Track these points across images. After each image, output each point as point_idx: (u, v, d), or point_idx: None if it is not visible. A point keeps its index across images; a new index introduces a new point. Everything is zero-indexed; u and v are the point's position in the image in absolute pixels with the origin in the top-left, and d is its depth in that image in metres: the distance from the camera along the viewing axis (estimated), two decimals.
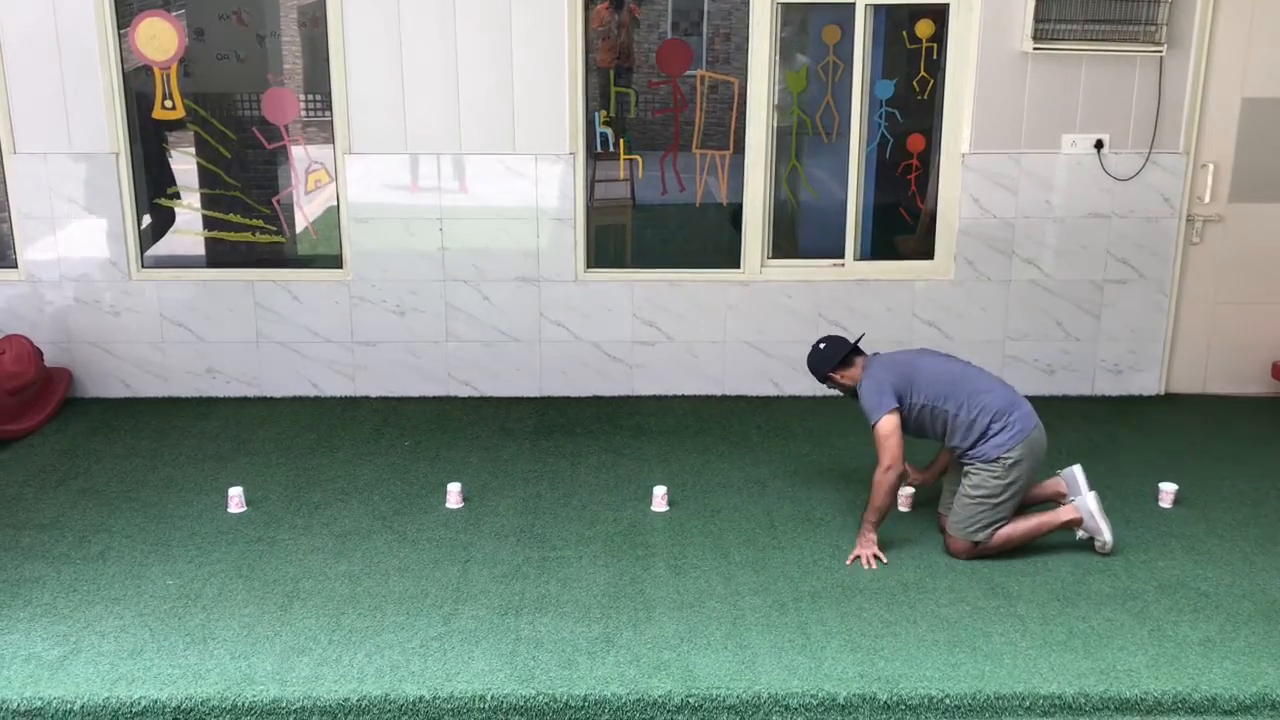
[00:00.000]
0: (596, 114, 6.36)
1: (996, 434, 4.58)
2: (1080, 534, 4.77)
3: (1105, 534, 4.70)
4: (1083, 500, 4.76)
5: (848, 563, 4.65)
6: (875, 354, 4.91)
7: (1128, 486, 5.41)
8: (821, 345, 4.91)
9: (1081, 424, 6.22)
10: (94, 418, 6.24)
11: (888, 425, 4.58)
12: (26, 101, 6.11)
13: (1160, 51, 6.10)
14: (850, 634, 4.12)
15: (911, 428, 4.73)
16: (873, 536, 4.69)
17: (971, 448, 4.62)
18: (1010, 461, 4.56)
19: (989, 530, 4.62)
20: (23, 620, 4.18)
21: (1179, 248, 6.46)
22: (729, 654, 3.99)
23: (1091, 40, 6.07)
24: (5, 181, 6.27)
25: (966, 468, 4.67)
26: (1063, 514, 4.75)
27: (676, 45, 6.37)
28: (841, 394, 4.95)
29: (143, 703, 3.72)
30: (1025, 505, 4.87)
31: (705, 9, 6.48)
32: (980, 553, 4.66)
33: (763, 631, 4.14)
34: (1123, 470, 5.61)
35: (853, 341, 4.91)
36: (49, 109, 6.11)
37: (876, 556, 4.66)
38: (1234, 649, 4.05)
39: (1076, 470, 4.88)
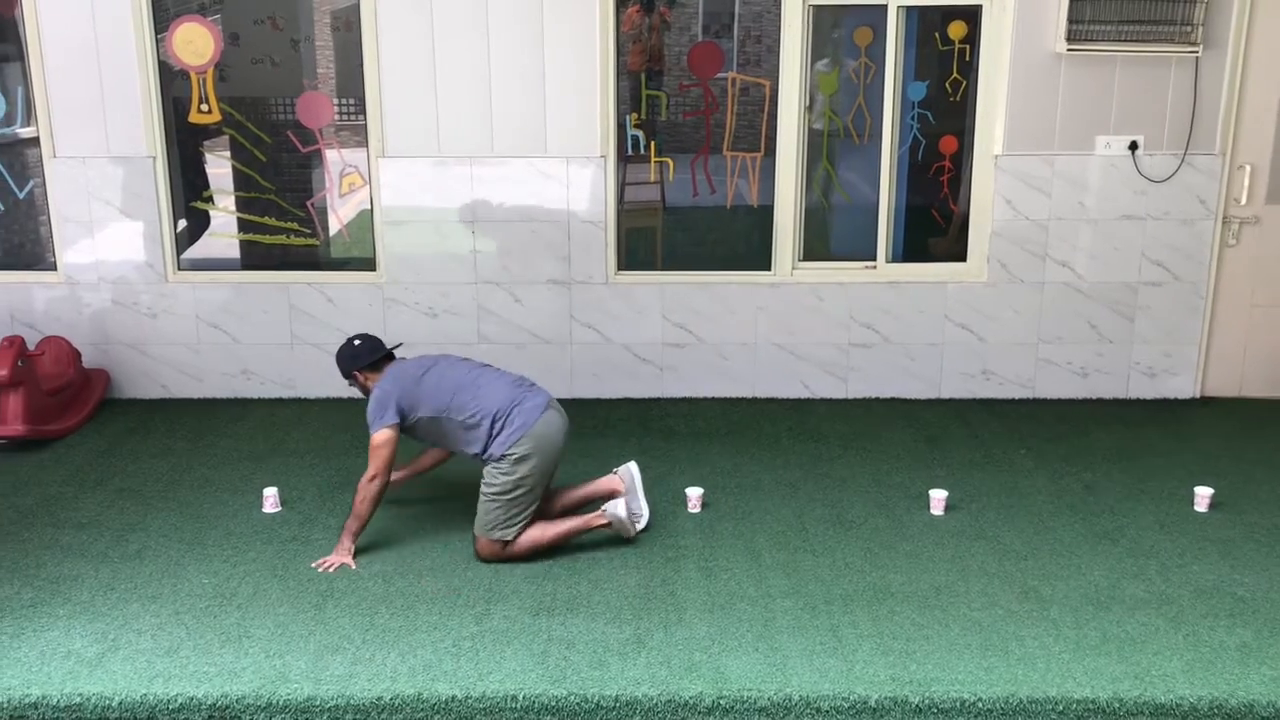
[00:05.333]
0: (628, 117, 6.37)
1: (499, 433, 4.60)
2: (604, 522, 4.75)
3: (642, 522, 4.89)
4: (628, 475, 4.93)
5: (316, 566, 4.62)
6: (400, 360, 4.90)
7: (1163, 490, 5.37)
8: (356, 342, 4.90)
9: (1116, 427, 6.17)
10: (131, 418, 6.31)
11: (380, 438, 4.59)
12: (66, 106, 6.19)
13: (1196, 52, 6.05)
14: (882, 637, 4.11)
15: (425, 438, 4.81)
16: (350, 544, 4.68)
17: (484, 451, 4.64)
18: (515, 456, 4.57)
19: (511, 528, 4.60)
20: (62, 618, 4.24)
21: (1214, 250, 6.40)
22: (760, 656, 3.99)
23: (1126, 41, 6.02)
24: (45, 185, 6.37)
25: (483, 469, 4.70)
26: (594, 521, 4.75)
27: (707, 48, 6.37)
28: (362, 394, 4.90)
29: (179, 700, 3.76)
30: (577, 505, 4.94)
31: (736, 11, 6.48)
32: (508, 554, 4.62)
33: (794, 634, 4.13)
34: (1157, 474, 5.56)
35: (388, 347, 4.93)
36: (88, 113, 6.19)
37: (345, 565, 4.63)
38: (1271, 654, 4.01)
39: (632, 466, 4.98)
